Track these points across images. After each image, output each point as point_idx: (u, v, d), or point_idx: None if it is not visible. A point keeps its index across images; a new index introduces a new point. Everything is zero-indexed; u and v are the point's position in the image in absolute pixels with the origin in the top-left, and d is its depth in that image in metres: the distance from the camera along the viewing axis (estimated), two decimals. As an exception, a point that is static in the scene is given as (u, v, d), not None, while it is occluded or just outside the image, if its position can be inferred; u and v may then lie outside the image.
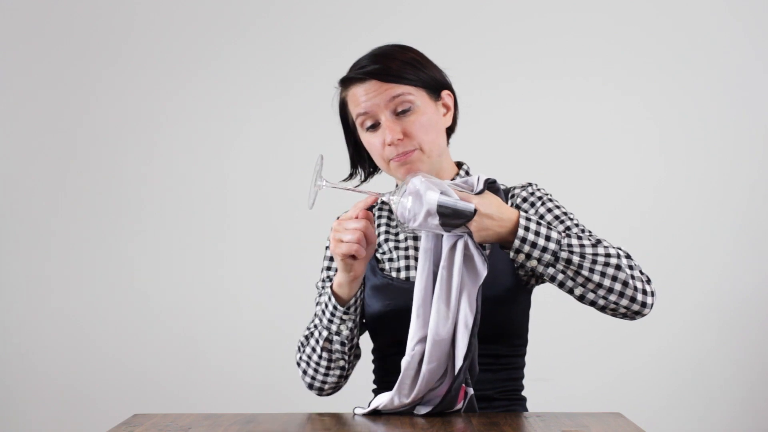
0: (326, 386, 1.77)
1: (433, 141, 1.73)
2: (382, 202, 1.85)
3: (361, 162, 1.84)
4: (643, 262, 3.24)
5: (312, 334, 1.75)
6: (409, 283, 1.72)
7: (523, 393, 1.81)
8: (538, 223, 1.57)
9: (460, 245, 1.58)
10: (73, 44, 3.21)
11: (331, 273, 1.83)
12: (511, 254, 1.57)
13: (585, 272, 1.57)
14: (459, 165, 1.84)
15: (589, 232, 1.70)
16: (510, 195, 1.79)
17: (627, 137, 3.17)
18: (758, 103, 3.15)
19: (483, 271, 1.58)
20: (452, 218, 1.53)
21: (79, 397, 3.17)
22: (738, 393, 3.14)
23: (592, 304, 1.59)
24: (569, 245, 1.57)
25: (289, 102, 3.20)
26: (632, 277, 1.58)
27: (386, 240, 1.80)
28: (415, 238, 1.78)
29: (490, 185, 1.60)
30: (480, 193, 1.56)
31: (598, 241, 1.61)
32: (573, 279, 1.57)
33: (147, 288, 3.21)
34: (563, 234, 1.58)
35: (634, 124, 3.16)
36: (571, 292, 1.59)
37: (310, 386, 1.78)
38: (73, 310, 3.19)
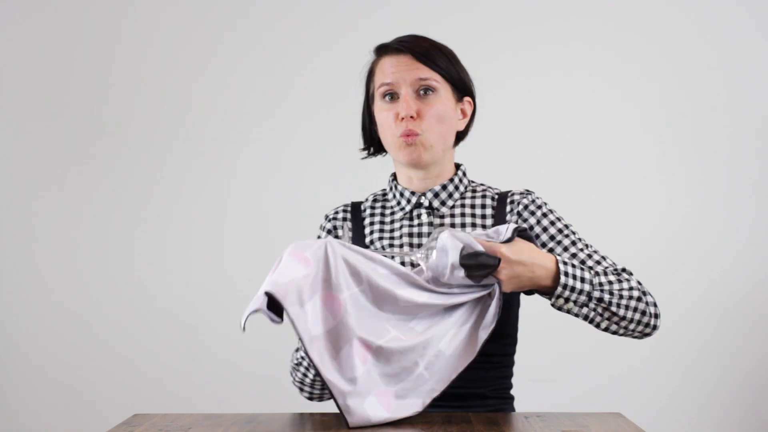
0: (326, 397, 1.82)
1: (441, 134, 1.75)
2: (374, 200, 1.86)
3: (372, 137, 1.85)
4: (643, 263, 3.27)
5: (301, 364, 1.78)
6: None
7: (520, 395, 1.83)
8: (573, 266, 1.60)
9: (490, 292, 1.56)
10: (75, 42, 3.21)
11: None
12: (552, 299, 1.60)
13: (614, 308, 1.63)
14: (457, 166, 1.85)
15: (592, 246, 1.75)
16: (509, 201, 1.79)
17: (626, 141, 3.17)
18: (757, 105, 3.15)
19: (492, 321, 1.55)
20: (477, 270, 1.52)
21: (79, 397, 3.18)
22: (737, 393, 3.14)
23: (613, 333, 1.66)
24: (600, 284, 1.62)
25: (291, 101, 3.20)
26: (647, 303, 1.66)
27: (380, 238, 1.80)
28: (410, 235, 1.78)
29: (521, 233, 1.59)
30: (508, 240, 1.55)
31: (617, 273, 1.67)
32: (601, 315, 1.64)
33: (147, 288, 3.21)
34: (593, 272, 1.62)
35: (633, 129, 3.17)
36: (597, 326, 1.65)
37: (310, 398, 1.84)
38: (74, 310, 3.19)
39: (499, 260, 1.52)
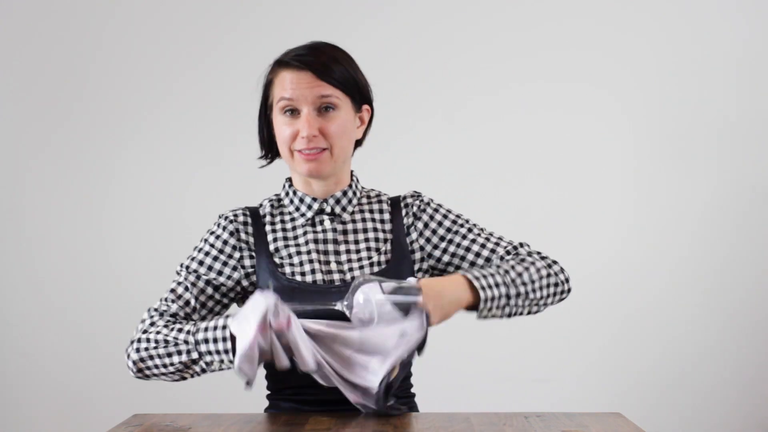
0: (153, 378, 1.72)
1: (343, 147, 1.76)
2: (271, 206, 1.84)
3: (270, 144, 1.84)
4: (644, 264, 3.25)
5: (172, 342, 1.65)
6: (316, 287, 1.71)
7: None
8: (484, 276, 1.65)
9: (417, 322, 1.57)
10: (68, 42, 3.21)
11: (200, 269, 1.78)
12: (477, 316, 1.65)
13: (531, 295, 1.70)
14: (351, 172, 1.85)
15: (486, 229, 1.81)
16: (403, 204, 1.83)
17: (624, 142, 3.17)
18: (755, 106, 3.15)
19: (414, 353, 1.57)
20: (402, 301, 1.54)
21: (79, 397, 3.18)
22: (737, 393, 3.14)
23: (535, 313, 1.73)
24: (513, 280, 1.68)
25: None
26: (555, 273, 1.74)
27: (286, 246, 1.77)
28: (316, 241, 1.77)
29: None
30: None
31: (516, 252, 1.75)
32: (521, 305, 1.70)
33: (147, 288, 3.19)
34: (501, 270, 1.67)
35: (626, 130, 3.17)
36: (520, 314, 1.71)
37: (139, 371, 1.71)
38: (74, 310, 3.19)
39: (420, 289, 1.55)
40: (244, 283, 1.77)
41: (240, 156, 3.22)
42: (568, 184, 3.17)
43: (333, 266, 1.75)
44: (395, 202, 1.84)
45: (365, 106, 1.81)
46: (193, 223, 3.20)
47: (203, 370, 1.65)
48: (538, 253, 1.76)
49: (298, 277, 1.73)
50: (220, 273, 1.77)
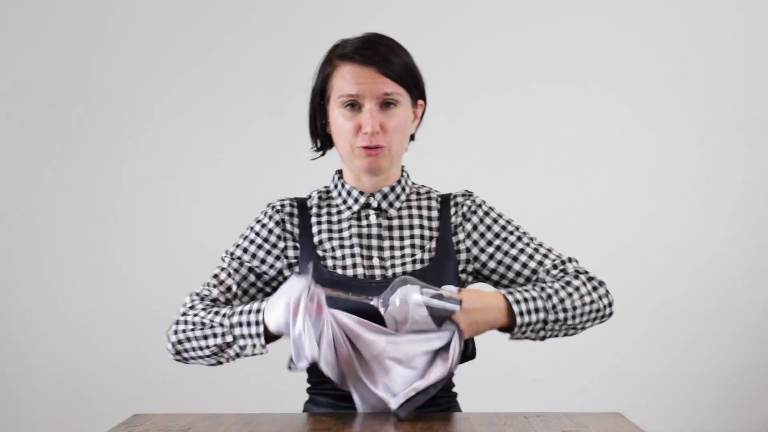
0: (191, 362, 1.72)
1: (401, 143, 1.76)
2: (319, 198, 1.83)
3: (322, 137, 1.82)
4: (644, 264, 3.26)
5: (209, 325, 1.65)
6: (356, 281, 1.71)
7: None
8: (525, 299, 1.64)
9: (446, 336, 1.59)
10: (71, 43, 3.21)
11: (244, 256, 1.78)
12: (510, 337, 1.66)
13: (570, 321, 1.68)
14: (401, 167, 1.84)
15: (536, 238, 1.78)
16: (453, 203, 1.80)
17: (626, 142, 3.17)
18: (756, 106, 3.15)
19: (454, 365, 1.59)
20: (439, 312, 1.55)
21: (79, 398, 3.18)
22: (737, 393, 3.14)
23: (572, 336, 1.73)
24: (554, 306, 1.66)
25: (284, 100, 3.20)
26: (599, 298, 1.71)
27: (329, 239, 1.77)
28: (360, 236, 1.76)
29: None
30: (459, 292, 1.59)
31: (563, 270, 1.72)
32: (559, 330, 1.69)
33: (147, 288, 3.21)
34: (545, 294, 1.66)
35: (632, 129, 3.17)
36: (556, 337, 1.71)
37: (177, 353, 1.72)
38: (74, 311, 3.19)
39: (461, 302, 1.56)
40: (287, 273, 1.77)
41: (241, 157, 3.23)
42: (568, 184, 3.17)
43: (375, 261, 1.73)
44: (445, 200, 1.81)
45: (420, 101, 1.79)
46: (194, 224, 3.21)
47: (237, 355, 1.64)
48: (586, 272, 1.73)
49: (339, 271, 1.73)
50: (263, 261, 1.77)
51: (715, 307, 3.15)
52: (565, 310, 1.66)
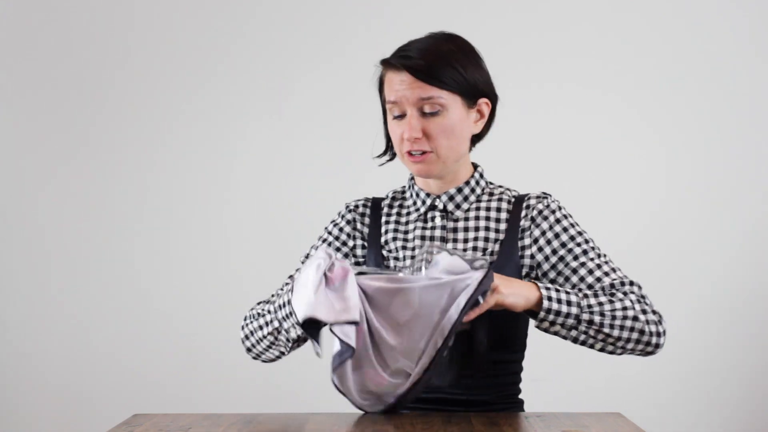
0: (263, 357, 1.75)
1: (452, 147, 1.71)
2: (393, 198, 1.84)
3: (389, 142, 1.83)
4: (644, 264, 3.26)
5: (263, 314, 1.68)
6: None
7: (522, 396, 1.81)
8: (557, 290, 1.60)
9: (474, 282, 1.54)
10: (75, 43, 3.21)
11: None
12: (536, 323, 1.61)
13: (606, 330, 1.61)
14: (474, 166, 1.82)
15: (605, 255, 1.73)
16: (525, 206, 1.76)
17: (630, 142, 3.17)
18: (759, 106, 3.15)
19: (454, 315, 1.53)
20: (470, 258, 1.54)
21: (79, 398, 3.18)
22: (737, 393, 3.14)
23: (610, 353, 1.66)
24: (589, 306, 1.61)
25: (291, 103, 3.20)
26: (647, 322, 1.63)
27: (394, 239, 1.78)
28: (423, 238, 1.76)
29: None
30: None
31: (620, 288, 1.65)
32: (594, 337, 1.63)
33: (147, 288, 3.21)
34: (581, 294, 1.62)
35: (637, 128, 3.17)
36: (592, 347, 1.65)
37: (248, 350, 1.75)
38: (73, 310, 3.19)
39: (491, 265, 1.55)
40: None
41: (245, 158, 3.23)
42: (568, 184, 3.17)
43: None
44: (518, 201, 1.76)
45: (483, 100, 1.74)
46: (195, 223, 3.21)
47: (288, 341, 1.63)
48: (644, 297, 1.65)
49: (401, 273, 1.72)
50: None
51: (715, 307, 3.15)
52: (602, 315, 1.60)
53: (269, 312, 1.65)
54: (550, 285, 1.61)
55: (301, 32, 3.20)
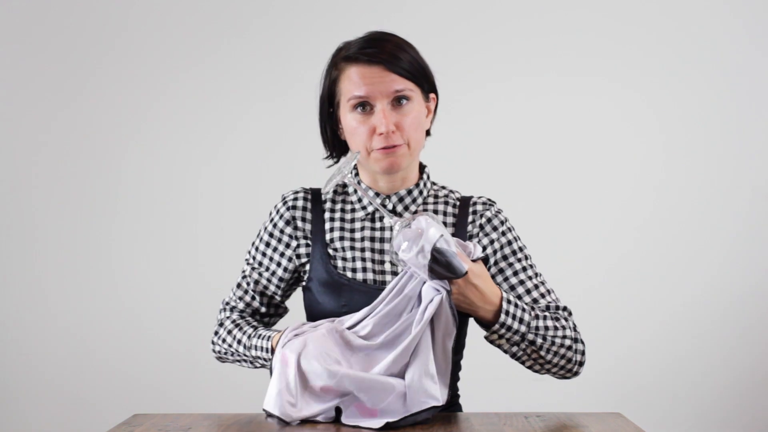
0: (235, 365, 1.84)
1: (418, 140, 1.71)
2: (335, 192, 1.79)
3: (334, 144, 1.78)
4: (644, 263, 3.26)
5: (231, 334, 1.76)
6: (366, 286, 1.69)
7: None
8: (516, 305, 1.61)
9: (436, 300, 1.53)
10: (67, 41, 3.21)
11: (263, 260, 1.79)
12: (487, 333, 1.62)
13: (542, 352, 1.65)
14: (422, 169, 1.80)
15: (541, 275, 1.74)
16: (472, 210, 1.76)
17: (628, 136, 3.17)
18: (760, 101, 3.15)
19: (453, 329, 1.55)
20: (441, 267, 1.51)
21: (79, 398, 3.17)
22: (737, 393, 3.14)
23: (534, 371, 1.69)
24: (537, 328, 1.63)
25: (283, 100, 3.20)
26: (575, 351, 1.67)
27: (341, 238, 1.74)
28: (372, 239, 1.73)
29: (484, 260, 1.61)
30: (476, 261, 1.57)
31: (556, 313, 1.68)
32: (528, 355, 1.65)
33: (147, 288, 3.20)
34: (533, 314, 1.63)
35: (635, 123, 3.16)
36: (522, 363, 1.68)
37: (221, 361, 1.83)
38: (73, 311, 3.19)
39: (466, 272, 1.53)
40: (300, 270, 1.78)
41: (240, 156, 3.23)
42: (567, 184, 3.17)
43: (387, 266, 1.71)
44: (464, 203, 1.76)
45: (431, 95, 1.75)
46: (193, 225, 3.21)
47: (264, 366, 1.73)
48: (575, 326, 1.68)
49: (349, 273, 1.71)
50: (278, 264, 1.78)
51: (715, 307, 3.14)
52: (544, 339, 1.63)
53: (245, 355, 1.74)
54: (513, 300, 1.62)
55: (297, 30, 3.20)
